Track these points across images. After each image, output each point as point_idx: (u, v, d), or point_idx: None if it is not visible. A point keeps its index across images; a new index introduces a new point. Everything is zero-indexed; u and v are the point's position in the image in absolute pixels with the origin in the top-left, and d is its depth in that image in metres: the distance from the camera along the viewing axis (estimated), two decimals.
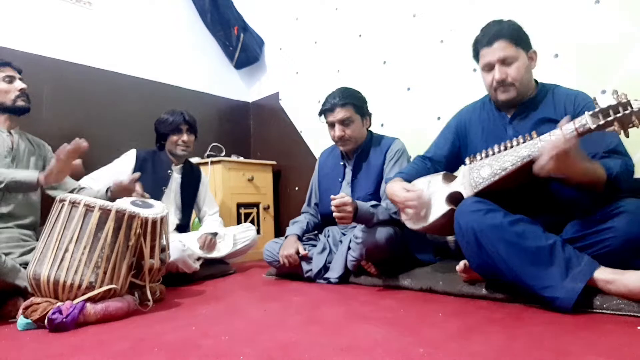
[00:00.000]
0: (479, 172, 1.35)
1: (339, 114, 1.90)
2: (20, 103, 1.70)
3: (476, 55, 1.49)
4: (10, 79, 1.69)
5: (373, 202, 1.76)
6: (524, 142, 1.25)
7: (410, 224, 1.54)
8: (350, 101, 1.91)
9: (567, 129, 1.13)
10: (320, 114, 1.99)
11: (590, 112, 1.09)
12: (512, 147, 1.28)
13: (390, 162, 1.90)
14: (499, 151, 1.31)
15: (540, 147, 1.18)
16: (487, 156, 1.35)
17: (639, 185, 1.37)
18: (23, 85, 1.71)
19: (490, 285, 1.39)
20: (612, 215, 1.18)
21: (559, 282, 1.13)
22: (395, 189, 1.56)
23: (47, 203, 1.60)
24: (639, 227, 1.12)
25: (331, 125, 1.95)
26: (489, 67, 1.43)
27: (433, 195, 1.49)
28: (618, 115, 1.03)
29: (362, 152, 2.00)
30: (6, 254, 1.53)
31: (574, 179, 1.19)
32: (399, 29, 2.63)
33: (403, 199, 1.50)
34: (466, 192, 1.38)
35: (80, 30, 2.67)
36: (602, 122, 1.06)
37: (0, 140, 1.66)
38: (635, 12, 1.76)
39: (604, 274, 1.12)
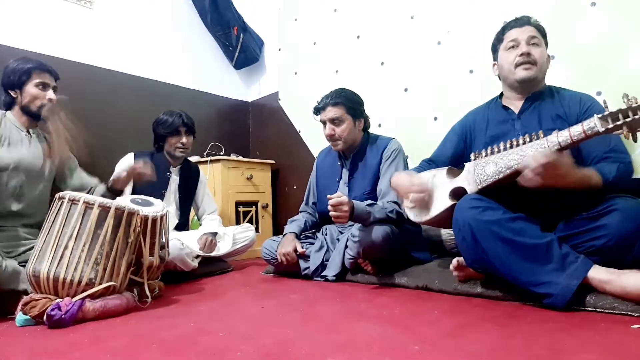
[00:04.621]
0: (484, 168, 1.33)
1: (330, 112, 1.93)
2: (43, 113, 1.71)
3: (500, 36, 1.54)
4: (44, 87, 1.70)
5: (369, 202, 1.77)
6: (531, 141, 1.24)
7: (413, 216, 1.55)
8: (341, 101, 1.93)
9: (574, 131, 1.13)
10: (314, 112, 2.02)
11: (600, 116, 1.08)
12: (518, 145, 1.27)
13: (386, 162, 1.92)
14: (505, 149, 1.30)
15: (524, 160, 1.17)
16: (492, 153, 1.34)
17: (635, 185, 1.38)
18: (53, 97, 1.71)
19: (486, 283, 1.40)
20: (604, 213, 1.18)
21: (555, 278, 1.14)
22: (400, 176, 1.60)
23: None
24: (632, 224, 1.13)
25: (323, 123, 1.98)
26: (514, 43, 1.47)
27: (437, 189, 1.48)
28: (627, 119, 1.02)
29: (359, 152, 2.02)
30: (7, 252, 1.54)
31: (565, 189, 1.19)
32: (396, 30, 2.64)
33: (409, 183, 1.52)
34: (470, 188, 1.37)
35: (81, 29, 2.68)
36: (610, 125, 1.05)
37: (18, 139, 1.69)
38: (630, 14, 1.77)
39: (599, 274, 1.13)
